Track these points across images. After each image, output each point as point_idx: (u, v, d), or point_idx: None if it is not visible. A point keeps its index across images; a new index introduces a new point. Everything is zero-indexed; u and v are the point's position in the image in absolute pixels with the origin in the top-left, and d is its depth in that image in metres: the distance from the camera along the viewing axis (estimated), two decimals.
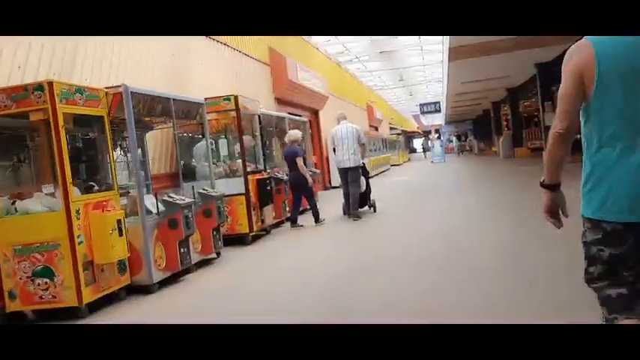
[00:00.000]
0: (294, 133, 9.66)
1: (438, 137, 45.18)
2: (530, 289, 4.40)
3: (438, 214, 9.54)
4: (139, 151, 6.72)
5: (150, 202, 5.86)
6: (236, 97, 8.33)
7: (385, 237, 7.94)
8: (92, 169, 5.69)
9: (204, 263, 6.70)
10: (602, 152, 2.03)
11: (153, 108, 6.27)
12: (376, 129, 31.05)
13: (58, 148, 4.77)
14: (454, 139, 48.25)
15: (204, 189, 7.04)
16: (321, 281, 5.42)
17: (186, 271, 6.15)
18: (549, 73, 18.36)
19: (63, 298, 4.79)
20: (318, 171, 14.46)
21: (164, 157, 8.12)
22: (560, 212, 2.25)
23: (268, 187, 8.75)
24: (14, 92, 4.84)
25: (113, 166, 5.50)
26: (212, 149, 8.45)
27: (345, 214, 9.81)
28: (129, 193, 5.94)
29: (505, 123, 33.29)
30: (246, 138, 8.64)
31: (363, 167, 10.04)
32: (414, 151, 61.15)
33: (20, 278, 4.83)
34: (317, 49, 19.82)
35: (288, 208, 9.90)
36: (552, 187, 2.21)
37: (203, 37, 10.23)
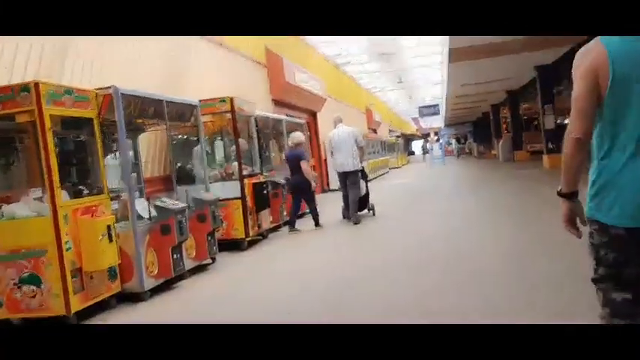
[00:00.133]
0: (298, 136, 9.49)
1: (438, 140, 45.13)
2: (530, 290, 4.38)
3: (438, 216, 9.47)
4: (131, 153, 6.58)
5: (142, 206, 5.70)
6: (232, 99, 8.18)
7: (385, 240, 7.86)
8: (82, 172, 5.52)
9: (198, 269, 6.53)
10: (611, 156, 2.01)
11: (145, 110, 6.12)
12: (375, 131, 30.95)
13: (45, 151, 4.61)
14: (453, 141, 48.19)
15: (198, 193, 6.87)
16: (321, 286, 5.35)
17: (180, 277, 5.99)
18: (549, 75, 18.27)
19: (50, 306, 4.62)
20: (316, 173, 14.32)
21: (157, 159, 7.97)
22: (578, 221, 2.17)
23: (265, 191, 8.59)
24: (0, 93, 4.68)
25: (103, 170, 5.33)
26: (207, 152, 8.31)
27: (344, 218, 9.68)
28: (120, 197, 5.78)
29: (505, 126, 33.22)
30: (241, 141, 8.49)
31: (362, 171, 9.91)
32: (413, 153, 61.10)
33: (7, 285, 4.67)
34: (315, 50, 19.69)
35: (285, 212, 9.76)
36: (570, 196, 2.14)
37: (199, 38, 10.08)
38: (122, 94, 5.44)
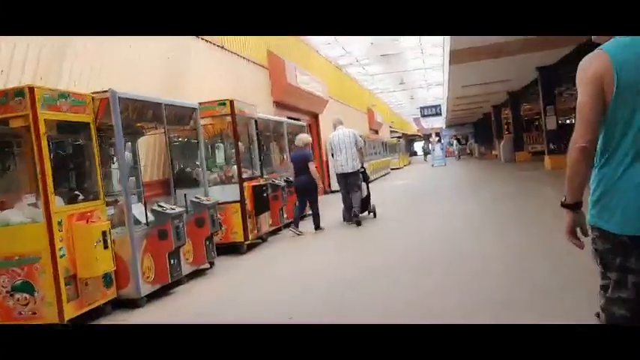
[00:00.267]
0: (305, 137, 9.46)
1: (439, 140, 45.00)
2: (532, 290, 4.37)
3: (439, 217, 9.44)
4: (130, 157, 6.51)
5: (138, 211, 5.62)
6: (231, 102, 8.11)
7: (386, 241, 7.82)
8: (78, 177, 5.44)
9: (196, 274, 6.45)
10: (613, 163, 2.01)
11: (143, 113, 6.05)
12: (377, 132, 30.88)
13: (39, 156, 4.53)
14: (455, 142, 47.99)
15: (196, 197, 6.80)
16: (322, 287, 5.33)
17: (177, 282, 5.92)
18: (551, 76, 18.27)
19: (43, 314, 4.54)
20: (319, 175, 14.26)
21: (157, 163, 7.89)
22: (579, 231, 2.14)
23: (265, 194, 8.51)
24: None
25: (99, 175, 5.25)
26: (208, 154, 8.24)
27: (345, 220, 9.61)
28: (117, 201, 5.70)
29: (506, 127, 33.11)
30: (240, 145, 8.42)
31: (364, 172, 9.86)
32: (414, 154, 60.99)
33: None
34: (317, 52, 19.61)
35: (285, 215, 9.67)
36: (574, 207, 2.10)
37: (200, 40, 10.01)
38: (119, 97, 5.36)
